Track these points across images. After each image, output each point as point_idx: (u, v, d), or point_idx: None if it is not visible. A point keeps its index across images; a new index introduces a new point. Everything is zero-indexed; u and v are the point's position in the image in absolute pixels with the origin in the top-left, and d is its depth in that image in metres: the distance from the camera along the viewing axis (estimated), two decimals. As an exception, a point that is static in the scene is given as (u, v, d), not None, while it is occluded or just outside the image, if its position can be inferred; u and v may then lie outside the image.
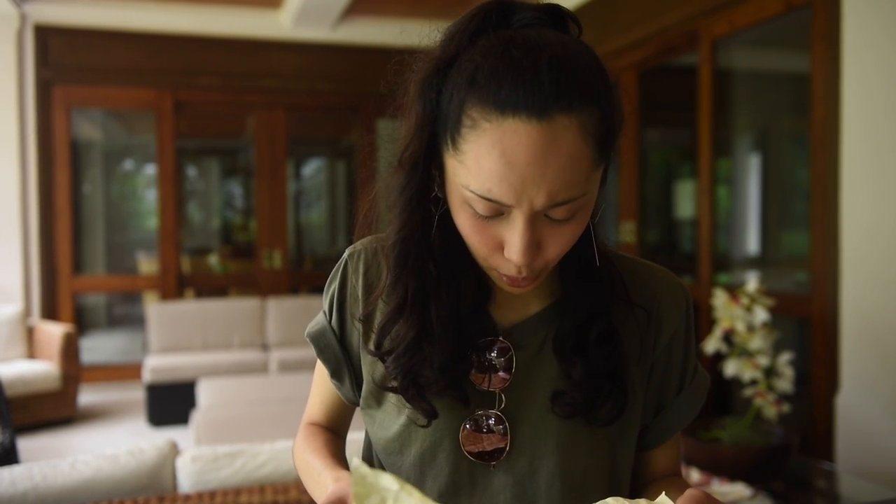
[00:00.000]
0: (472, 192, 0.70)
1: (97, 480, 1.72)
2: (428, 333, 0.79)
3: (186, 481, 1.81)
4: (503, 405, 0.82)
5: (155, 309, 5.32)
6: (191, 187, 7.35)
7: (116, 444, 4.28)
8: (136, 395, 5.47)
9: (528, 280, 0.75)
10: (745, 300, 2.52)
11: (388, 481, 0.61)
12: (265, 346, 5.51)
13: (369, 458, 0.93)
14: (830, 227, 3.24)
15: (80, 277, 5.86)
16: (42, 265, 5.55)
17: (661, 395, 0.88)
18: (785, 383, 2.49)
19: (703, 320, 4.05)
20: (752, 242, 4.61)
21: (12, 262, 5.41)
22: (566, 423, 0.81)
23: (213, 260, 6.83)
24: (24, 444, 4.18)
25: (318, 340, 0.91)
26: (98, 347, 6.57)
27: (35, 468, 1.70)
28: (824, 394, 3.30)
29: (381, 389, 0.85)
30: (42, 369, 4.71)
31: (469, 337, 0.82)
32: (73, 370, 4.86)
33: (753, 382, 2.54)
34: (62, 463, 1.74)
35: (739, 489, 2.28)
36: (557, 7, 0.76)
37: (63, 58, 5.61)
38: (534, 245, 0.71)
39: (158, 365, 4.84)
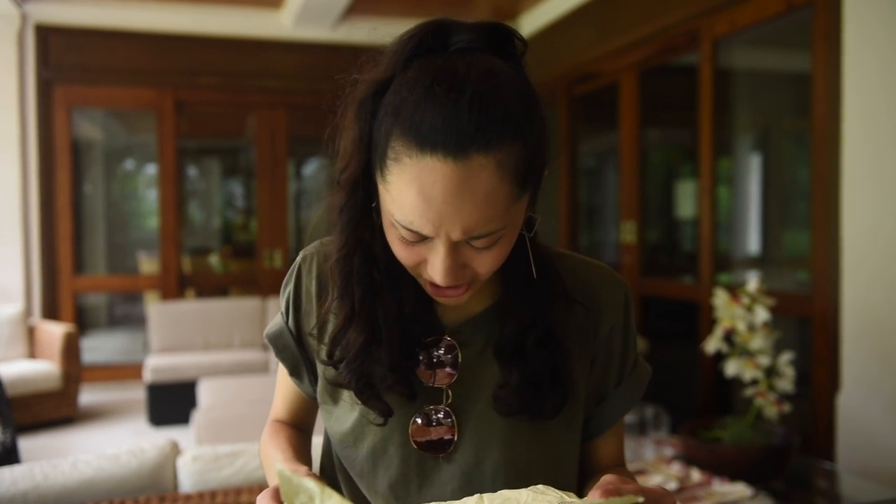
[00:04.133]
0: (396, 220, 0.73)
1: (98, 480, 1.72)
2: (376, 337, 0.83)
3: (187, 481, 1.81)
4: (450, 400, 0.85)
5: (156, 309, 5.32)
6: (191, 187, 7.35)
7: (117, 443, 4.28)
8: (136, 394, 5.47)
9: (456, 291, 0.78)
10: (745, 300, 2.52)
11: (310, 484, 0.64)
12: (266, 346, 5.51)
13: (329, 452, 0.97)
14: (831, 227, 3.23)
15: (81, 277, 5.87)
16: (43, 265, 5.55)
17: (602, 385, 0.91)
18: (786, 383, 2.48)
19: (704, 320, 4.05)
20: (752, 242, 4.61)
21: (13, 262, 5.42)
22: (510, 419, 0.84)
23: (214, 260, 6.83)
24: (26, 444, 4.18)
25: (276, 341, 0.96)
26: (99, 347, 6.58)
27: (36, 468, 1.70)
28: (825, 393, 3.29)
29: (335, 387, 0.89)
30: (43, 369, 4.72)
31: (415, 336, 0.85)
32: (74, 370, 4.86)
33: (754, 382, 2.53)
34: (63, 462, 1.74)
35: (740, 489, 2.28)
36: (499, 27, 0.77)
37: (64, 57, 5.61)
38: (457, 267, 0.75)
39: (159, 365, 4.84)
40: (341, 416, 0.89)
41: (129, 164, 7.12)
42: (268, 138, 6.19)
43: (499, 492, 0.73)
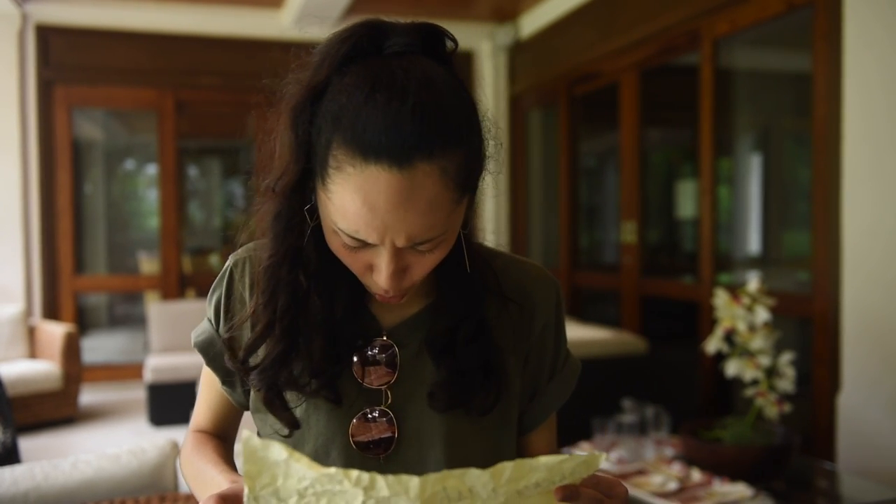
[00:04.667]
0: (340, 229, 0.73)
1: (98, 480, 1.72)
2: (294, 346, 0.82)
3: (188, 481, 1.81)
4: (390, 401, 0.85)
5: (156, 308, 5.32)
6: (192, 187, 7.35)
7: (118, 443, 4.27)
8: (137, 394, 5.47)
9: (397, 296, 0.79)
10: (746, 300, 2.52)
11: (276, 451, 0.62)
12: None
13: None
14: (832, 227, 3.23)
15: (82, 277, 5.87)
16: (43, 265, 5.55)
17: (535, 380, 0.92)
18: (786, 383, 2.48)
19: (705, 320, 4.05)
20: (753, 242, 4.61)
21: (14, 262, 5.42)
22: (448, 416, 0.84)
23: (215, 260, 6.83)
24: (26, 444, 4.18)
25: (206, 350, 0.92)
26: (99, 347, 6.58)
27: (37, 468, 1.70)
28: (825, 393, 3.29)
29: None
30: (43, 369, 4.72)
31: (349, 338, 0.85)
32: (75, 370, 4.86)
33: (755, 382, 2.53)
34: (64, 462, 1.74)
35: (741, 489, 2.27)
36: (431, 27, 0.77)
37: (64, 57, 5.61)
38: (400, 271, 0.76)
39: (160, 364, 4.84)
40: (277, 423, 0.87)
41: (129, 164, 7.12)
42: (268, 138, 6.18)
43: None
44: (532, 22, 5.88)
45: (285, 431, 0.85)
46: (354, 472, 0.62)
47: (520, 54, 6.06)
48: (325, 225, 0.77)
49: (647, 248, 5.03)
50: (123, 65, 5.74)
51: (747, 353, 2.52)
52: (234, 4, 5.77)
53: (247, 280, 0.90)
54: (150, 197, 6.60)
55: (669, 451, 2.73)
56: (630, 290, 4.91)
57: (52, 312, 5.60)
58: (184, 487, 1.82)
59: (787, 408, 2.50)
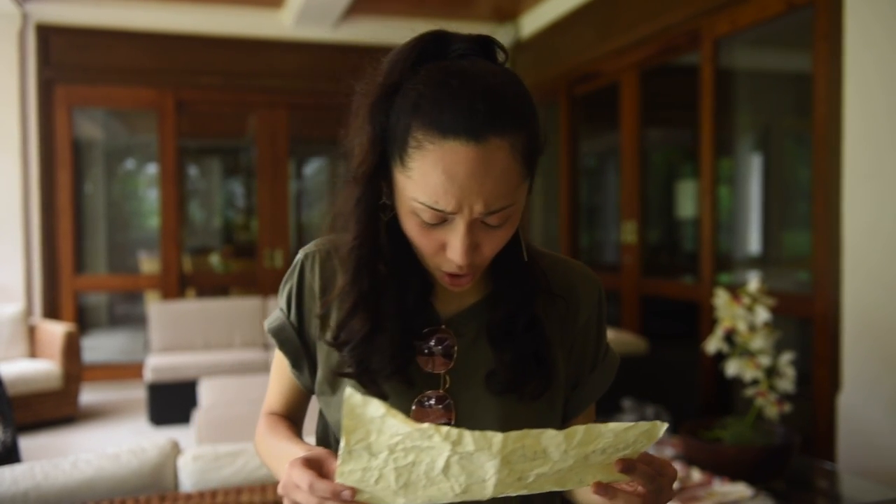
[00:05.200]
0: (419, 202, 0.81)
1: (99, 479, 1.72)
2: (380, 327, 0.90)
3: (188, 480, 1.81)
4: (448, 385, 0.92)
5: (156, 308, 5.32)
6: (192, 187, 7.35)
7: (118, 443, 4.28)
8: (137, 394, 5.47)
9: (467, 278, 0.87)
10: (746, 300, 2.52)
11: (374, 408, 0.67)
12: (267, 346, 5.51)
13: (325, 437, 1.02)
14: (832, 227, 3.23)
15: (82, 277, 5.87)
16: (44, 264, 5.55)
17: (578, 371, 1.00)
18: (786, 383, 2.48)
19: (705, 320, 4.05)
20: (753, 242, 4.61)
21: (14, 262, 5.42)
22: (501, 400, 0.91)
23: (215, 259, 6.83)
24: (26, 443, 4.18)
25: (278, 334, 1.00)
26: (99, 346, 6.58)
27: (37, 467, 1.70)
28: (826, 393, 3.29)
29: (336, 375, 0.95)
30: (44, 368, 4.72)
31: (415, 327, 0.93)
32: (75, 369, 4.87)
33: (755, 382, 2.53)
34: (64, 462, 1.74)
35: (741, 489, 2.27)
36: (488, 38, 0.87)
37: (65, 57, 5.61)
38: (472, 247, 0.83)
39: (160, 364, 4.84)
40: (341, 404, 0.91)
41: (129, 164, 7.12)
42: (268, 138, 6.19)
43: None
44: (532, 22, 5.88)
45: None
46: (444, 428, 0.68)
47: (520, 54, 6.06)
48: (401, 209, 0.85)
49: (648, 247, 5.03)
50: (124, 64, 5.75)
51: (747, 353, 2.52)
52: (235, 4, 5.77)
53: (317, 271, 0.98)
54: (151, 196, 6.60)
55: (669, 451, 2.73)
56: (630, 289, 4.91)
57: (52, 312, 5.60)
58: (184, 487, 1.82)
59: (787, 408, 2.50)
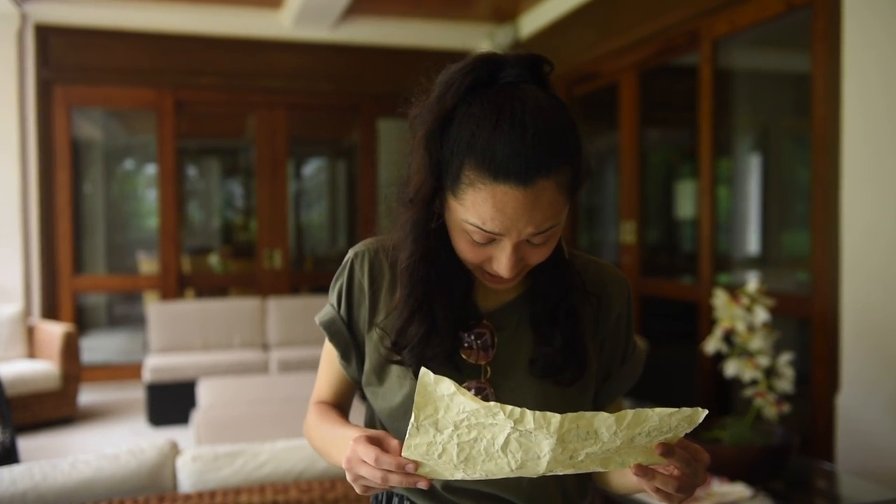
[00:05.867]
0: (470, 224, 0.89)
1: (97, 480, 1.72)
2: (435, 328, 0.99)
3: (187, 481, 1.81)
4: (489, 375, 1.01)
5: (155, 308, 5.32)
6: (191, 187, 7.35)
7: (117, 443, 4.27)
8: (136, 394, 5.47)
9: (509, 281, 0.96)
10: (745, 300, 2.52)
11: (445, 386, 0.75)
12: (266, 346, 5.51)
13: (371, 425, 1.11)
14: (831, 227, 3.23)
15: (81, 277, 5.86)
16: (42, 265, 5.55)
17: (609, 364, 1.08)
18: (785, 383, 2.49)
19: (704, 320, 4.05)
20: (752, 242, 4.61)
21: (13, 262, 5.41)
22: (540, 386, 1.00)
23: (214, 260, 6.83)
24: (25, 444, 4.18)
25: (329, 327, 1.08)
26: (98, 347, 6.57)
27: (35, 468, 1.70)
28: (825, 394, 3.29)
29: (386, 363, 1.03)
30: (42, 369, 4.71)
31: (461, 321, 1.01)
32: (74, 370, 4.86)
33: (754, 382, 2.54)
34: (62, 462, 1.74)
35: (740, 489, 2.28)
36: (535, 57, 0.93)
37: (64, 57, 5.61)
38: (518, 262, 0.92)
39: (159, 364, 4.84)
40: (388, 393, 1.03)
41: (128, 164, 7.12)
42: (267, 138, 6.19)
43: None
44: (532, 22, 5.89)
45: (396, 401, 1.00)
46: (508, 407, 0.75)
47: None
48: (452, 227, 0.94)
49: (647, 248, 5.03)
50: (123, 65, 5.74)
51: (746, 354, 2.52)
52: (234, 4, 5.77)
53: (366, 269, 1.07)
54: (150, 197, 6.60)
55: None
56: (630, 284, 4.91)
57: (51, 312, 5.60)
58: (183, 487, 1.82)
59: (786, 408, 2.50)
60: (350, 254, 1.09)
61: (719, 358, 2.86)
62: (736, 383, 3.48)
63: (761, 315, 2.48)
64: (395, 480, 0.83)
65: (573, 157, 0.90)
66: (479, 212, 0.87)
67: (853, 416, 3.12)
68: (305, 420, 1.13)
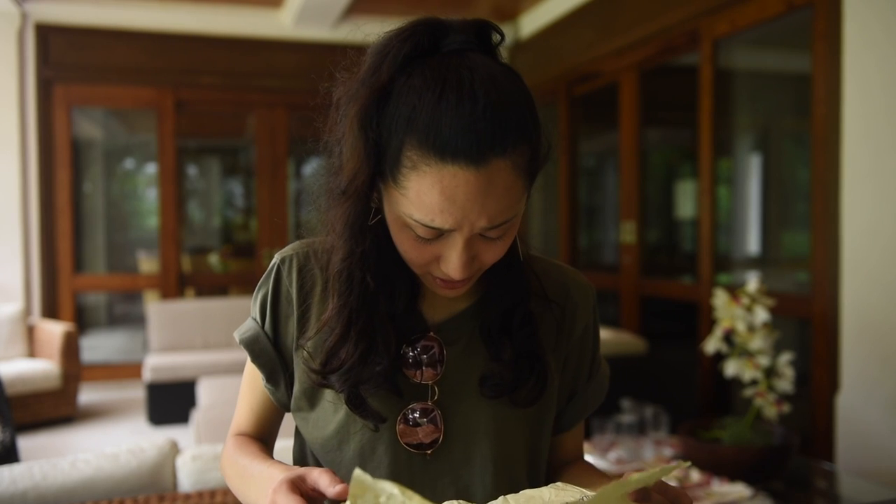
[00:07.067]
0: (414, 219, 0.75)
1: (97, 479, 1.72)
2: (373, 346, 0.84)
3: (187, 480, 1.81)
4: (436, 397, 0.87)
5: (155, 308, 5.32)
6: (191, 186, 7.35)
7: (117, 442, 4.28)
8: (136, 393, 5.47)
9: (463, 283, 0.82)
10: (745, 300, 2.52)
11: (388, 486, 0.62)
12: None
13: (302, 458, 0.96)
14: (831, 228, 3.23)
15: (81, 276, 5.86)
16: (42, 264, 5.55)
17: (574, 381, 0.95)
18: (785, 383, 2.48)
19: (704, 320, 4.05)
20: (752, 242, 4.61)
21: (13, 261, 5.41)
22: (494, 408, 0.87)
23: (214, 259, 6.83)
24: (25, 443, 4.18)
25: (251, 346, 0.92)
26: (98, 346, 6.57)
27: (35, 467, 1.70)
28: (825, 394, 3.30)
29: (316, 388, 0.88)
30: (42, 368, 4.71)
31: (402, 334, 0.87)
32: (74, 369, 4.86)
33: (754, 382, 2.53)
34: (62, 462, 1.74)
35: (739, 489, 2.28)
36: (483, 23, 0.80)
37: (64, 56, 5.61)
38: (470, 260, 0.78)
39: (159, 364, 4.84)
40: (321, 420, 0.89)
41: (128, 164, 7.12)
42: (268, 138, 6.19)
43: (521, 492, 0.74)
44: (532, 22, 5.88)
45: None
46: None
47: (519, 54, 6.06)
48: (392, 222, 0.79)
49: (647, 248, 5.03)
50: (123, 64, 5.74)
51: (746, 354, 2.52)
52: (234, 4, 5.77)
53: (294, 276, 0.91)
54: (150, 196, 6.60)
55: (668, 451, 2.73)
56: (629, 290, 4.91)
57: (51, 311, 5.60)
58: (182, 487, 1.82)
59: (785, 408, 2.50)
60: (276, 258, 0.92)
61: (719, 358, 2.85)
62: (736, 383, 3.48)
63: (761, 315, 2.48)
64: None
65: (531, 134, 0.76)
66: (424, 202, 0.73)
67: (853, 416, 3.12)
68: (222, 454, 0.96)
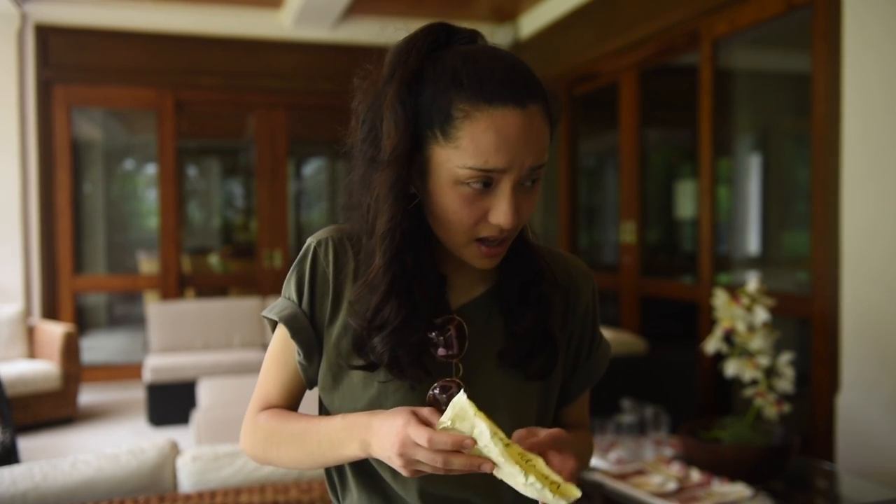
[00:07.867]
0: (468, 167, 0.84)
1: (98, 480, 1.72)
2: (414, 313, 0.91)
3: (187, 481, 1.81)
4: (461, 373, 0.95)
5: (155, 308, 5.32)
6: (191, 187, 7.35)
7: (117, 443, 4.27)
8: (136, 394, 5.47)
9: (502, 246, 0.91)
10: (745, 300, 2.52)
11: (481, 423, 0.77)
12: (266, 346, 5.50)
13: None
14: (831, 227, 3.23)
15: (81, 277, 5.86)
16: (43, 265, 5.55)
17: (576, 358, 1.06)
18: (785, 383, 2.48)
19: (704, 320, 4.05)
20: (752, 242, 4.61)
21: (13, 262, 5.41)
22: (511, 380, 0.96)
23: (214, 260, 6.83)
24: (25, 444, 4.18)
25: (291, 322, 0.97)
26: (98, 347, 6.57)
27: (36, 468, 1.70)
28: (825, 394, 3.29)
29: (345, 367, 0.95)
30: (43, 369, 4.71)
31: (429, 317, 0.94)
32: (74, 370, 4.86)
33: (754, 382, 2.53)
34: (63, 462, 1.74)
35: (740, 489, 2.27)
36: (476, 32, 0.95)
37: (64, 57, 5.61)
38: (517, 210, 0.87)
39: (159, 364, 4.84)
40: (349, 397, 0.95)
41: (128, 164, 7.12)
42: (268, 138, 6.19)
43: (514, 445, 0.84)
44: (532, 22, 5.88)
45: (359, 404, 0.93)
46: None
47: (519, 54, 6.02)
48: (442, 185, 0.87)
49: (647, 248, 5.03)
50: (123, 65, 5.74)
51: (746, 354, 2.52)
52: (234, 4, 5.77)
53: (330, 258, 0.97)
54: (150, 197, 6.60)
55: (668, 452, 2.73)
56: (629, 290, 4.91)
57: (51, 312, 5.60)
58: (183, 487, 1.82)
59: (786, 408, 2.50)
60: (311, 241, 0.98)
61: (719, 358, 2.85)
62: (736, 383, 3.48)
63: (761, 315, 2.48)
64: (458, 465, 0.78)
65: (546, 94, 0.90)
66: (479, 145, 0.83)
67: (853, 416, 3.12)
68: (253, 433, 0.99)
